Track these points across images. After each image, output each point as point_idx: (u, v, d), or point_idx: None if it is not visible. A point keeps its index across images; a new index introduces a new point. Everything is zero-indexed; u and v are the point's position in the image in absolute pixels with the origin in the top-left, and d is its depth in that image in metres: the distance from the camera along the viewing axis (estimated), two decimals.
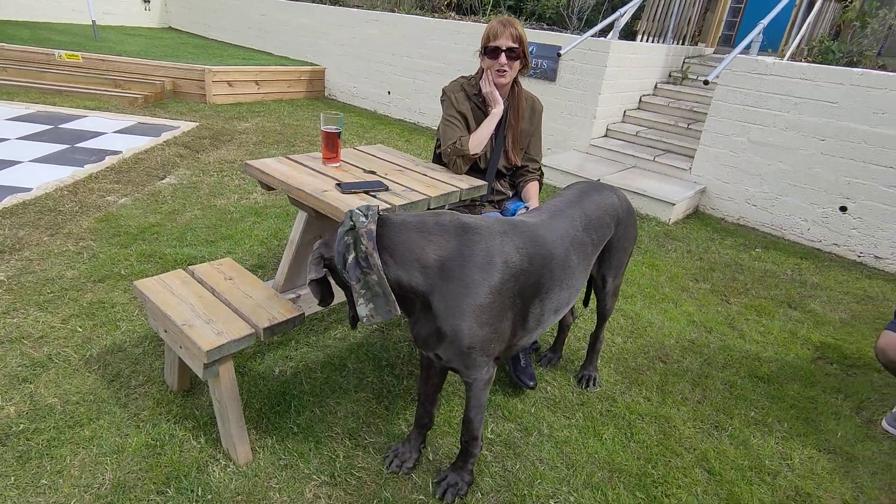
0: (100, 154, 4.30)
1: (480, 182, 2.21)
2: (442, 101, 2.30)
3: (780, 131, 4.18)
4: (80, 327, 2.28)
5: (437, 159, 2.39)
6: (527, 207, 2.26)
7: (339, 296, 2.22)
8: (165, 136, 4.95)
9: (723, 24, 7.41)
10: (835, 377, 2.52)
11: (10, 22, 8.90)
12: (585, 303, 2.35)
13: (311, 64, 7.72)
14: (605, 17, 5.21)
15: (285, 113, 6.47)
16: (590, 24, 6.38)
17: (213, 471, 1.68)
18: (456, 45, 6.06)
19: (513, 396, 2.16)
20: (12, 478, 1.60)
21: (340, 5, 7.74)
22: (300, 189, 1.88)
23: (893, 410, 2.22)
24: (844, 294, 3.38)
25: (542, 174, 2.44)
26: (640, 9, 5.59)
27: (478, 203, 2.33)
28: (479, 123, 2.26)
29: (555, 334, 2.46)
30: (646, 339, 2.66)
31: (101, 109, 5.58)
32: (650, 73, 5.70)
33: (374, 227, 1.38)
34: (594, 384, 2.25)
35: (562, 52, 4.84)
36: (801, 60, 4.88)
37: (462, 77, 2.32)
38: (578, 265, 1.68)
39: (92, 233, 3.08)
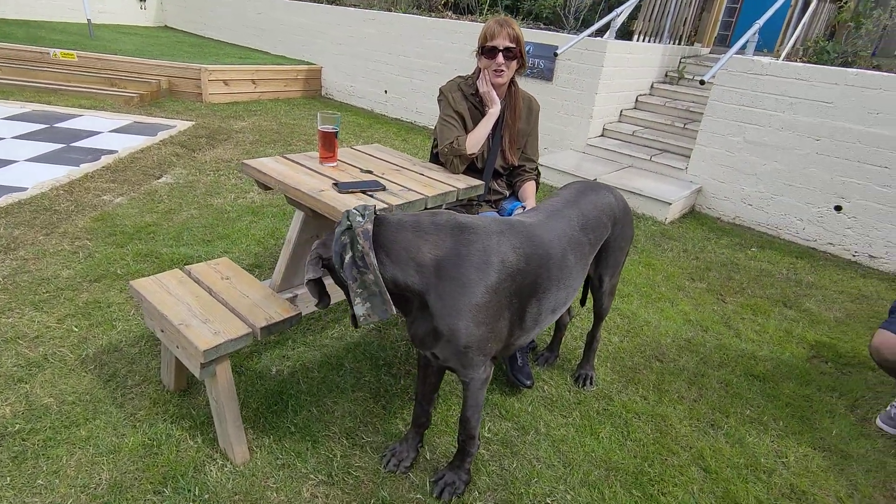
0: (95, 153, 4.29)
1: (477, 182, 2.21)
2: (439, 100, 2.30)
3: (775, 131, 4.20)
4: (76, 327, 2.27)
5: (434, 159, 2.39)
6: (524, 207, 2.26)
7: (338, 295, 2.22)
8: (161, 135, 4.94)
9: (719, 24, 7.43)
10: (829, 376, 2.54)
11: (4, 20, 8.85)
12: (582, 302, 2.35)
13: (308, 63, 7.70)
14: (601, 17, 5.22)
15: (282, 112, 6.46)
16: (586, 23, 6.40)
17: (210, 470, 1.68)
18: (453, 44, 6.07)
19: (510, 395, 2.16)
20: (8, 478, 1.59)
21: (337, 4, 7.73)
22: (297, 188, 1.87)
23: (887, 408, 2.23)
24: (839, 293, 3.40)
25: (538, 174, 2.44)
26: (637, 9, 5.60)
27: (475, 203, 2.33)
28: (476, 123, 2.26)
29: (552, 333, 2.46)
30: (642, 338, 2.67)
31: (97, 108, 5.55)
32: (647, 72, 5.71)
33: (370, 226, 1.38)
34: (591, 383, 2.26)
35: (558, 51, 4.85)
36: (796, 61, 4.90)
37: (459, 77, 2.32)
38: (576, 265, 1.69)
39: (88, 232, 3.07)
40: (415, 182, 2.08)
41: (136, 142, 4.67)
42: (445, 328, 1.42)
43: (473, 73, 2.28)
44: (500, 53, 2.12)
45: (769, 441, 2.08)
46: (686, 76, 5.88)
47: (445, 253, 1.41)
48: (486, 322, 1.44)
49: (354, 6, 7.50)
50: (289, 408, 1.97)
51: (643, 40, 5.77)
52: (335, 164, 2.16)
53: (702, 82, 3.97)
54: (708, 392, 2.32)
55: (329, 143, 2.12)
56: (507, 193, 2.43)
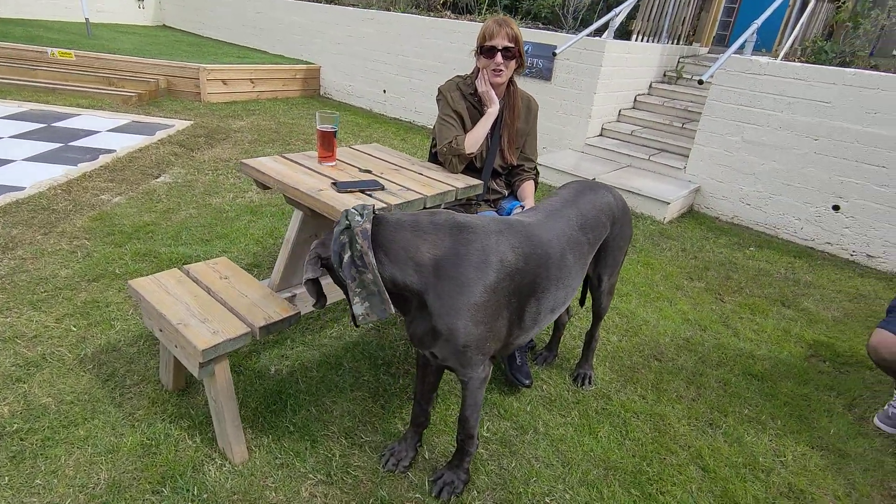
0: (94, 152, 4.28)
1: (476, 181, 2.21)
2: (438, 100, 2.30)
3: (773, 131, 4.20)
4: (75, 326, 2.27)
5: (433, 158, 2.39)
6: (522, 206, 2.26)
7: (338, 295, 2.22)
8: (160, 134, 4.93)
9: (717, 23, 7.44)
10: (827, 375, 2.54)
11: (2, 20, 8.83)
12: (582, 302, 2.36)
13: (307, 62, 7.70)
14: (600, 17, 5.22)
15: (280, 111, 6.45)
16: (585, 23, 6.40)
17: (209, 470, 1.68)
18: (451, 43, 6.06)
19: (508, 395, 2.16)
20: (6, 478, 1.59)
21: (336, 4, 7.72)
22: (296, 188, 1.87)
23: (885, 407, 2.24)
24: (837, 292, 3.41)
25: (537, 173, 2.44)
26: (636, 8, 5.61)
27: (474, 202, 2.33)
28: (474, 122, 2.26)
29: (550, 333, 2.46)
30: (641, 337, 2.68)
31: (95, 108, 5.54)
32: (645, 72, 5.71)
33: (369, 225, 1.38)
34: (589, 382, 2.26)
35: (557, 51, 4.85)
36: (794, 60, 4.91)
37: (458, 76, 2.32)
38: (574, 264, 1.69)
39: (86, 232, 3.06)
40: (413, 181, 2.08)
41: (135, 141, 4.67)
42: (444, 327, 1.42)
43: (472, 73, 2.28)
44: (499, 53, 2.12)
45: (767, 440, 2.08)
46: (684, 76, 5.89)
47: (444, 252, 1.41)
48: (484, 321, 1.44)
49: (353, 5, 7.50)
50: (287, 407, 1.96)
51: (642, 40, 5.78)
52: (334, 163, 2.15)
53: (700, 82, 3.97)
54: (706, 391, 2.33)
55: (328, 143, 2.12)
56: (506, 193, 2.43)
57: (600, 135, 5.46)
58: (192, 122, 5.45)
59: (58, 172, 3.81)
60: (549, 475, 1.81)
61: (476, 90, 2.24)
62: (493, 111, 2.23)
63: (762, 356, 2.63)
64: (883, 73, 3.77)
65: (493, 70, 2.16)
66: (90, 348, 2.15)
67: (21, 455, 1.67)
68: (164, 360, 1.93)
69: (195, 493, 1.60)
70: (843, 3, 5.90)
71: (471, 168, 2.31)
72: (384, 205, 1.81)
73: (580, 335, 2.61)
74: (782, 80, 4.09)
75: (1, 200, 3.30)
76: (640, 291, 3.13)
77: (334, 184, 1.92)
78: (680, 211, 4.54)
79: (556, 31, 6.22)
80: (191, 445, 1.76)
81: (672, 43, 6.26)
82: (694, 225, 4.36)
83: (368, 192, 1.90)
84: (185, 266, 1.93)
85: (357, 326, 1.56)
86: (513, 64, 2.18)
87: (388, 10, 7.09)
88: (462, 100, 2.27)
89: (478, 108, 2.27)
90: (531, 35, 5.35)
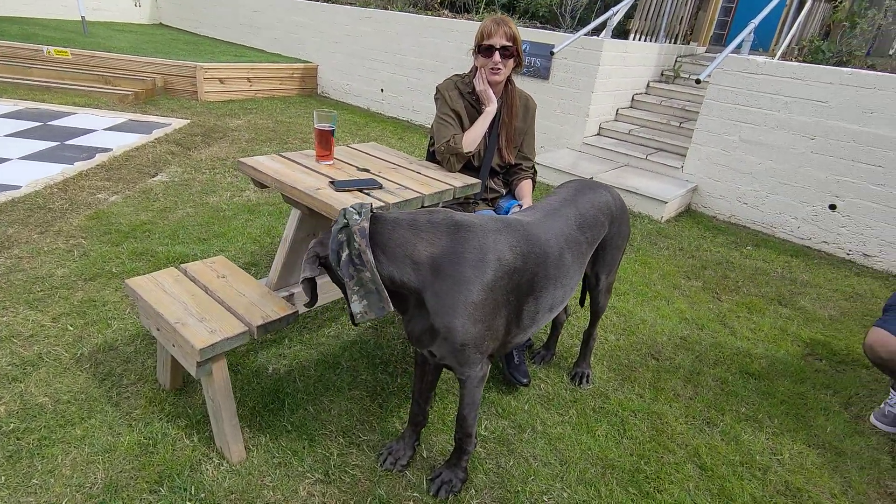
0: (90, 151, 4.26)
1: (474, 180, 2.21)
2: (436, 98, 2.30)
3: (770, 130, 4.22)
4: (71, 326, 2.26)
5: (431, 157, 2.39)
6: (520, 205, 2.26)
7: (336, 293, 2.22)
8: (156, 133, 4.92)
9: (714, 23, 7.46)
10: (824, 373, 2.55)
11: None
12: (581, 303, 2.35)
13: (304, 61, 7.68)
14: (597, 16, 5.23)
15: (277, 110, 6.44)
16: (583, 22, 6.40)
17: (207, 469, 1.68)
18: (449, 42, 6.06)
19: (506, 394, 2.17)
20: (3, 477, 1.58)
21: (333, 2, 7.70)
22: (294, 187, 1.87)
23: (881, 406, 2.25)
24: (833, 291, 3.42)
25: (535, 172, 2.45)
26: (633, 7, 5.61)
27: (471, 201, 2.33)
28: (472, 121, 2.26)
29: (548, 332, 2.47)
30: (638, 336, 2.68)
31: (91, 106, 5.52)
32: (643, 71, 5.72)
33: (367, 224, 1.38)
34: (587, 381, 2.26)
35: (555, 50, 4.85)
36: (791, 60, 4.92)
37: (456, 75, 2.32)
38: (573, 263, 1.69)
39: (82, 230, 3.05)
40: (411, 180, 2.08)
41: (131, 140, 4.65)
42: (442, 326, 1.42)
43: (470, 72, 2.28)
44: (497, 52, 2.12)
45: (764, 438, 2.09)
46: (682, 75, 5.90)
47: (442, 251, 1.41)
48: (482, 320, 1.44)
49: (350, 4, 7.49)
50: (285, 406, 1.96)
51: (639, 39, 5.78)
52: (331, 162, 2.15)
53: (697, 81, 3.98)
54: (703, 390, 2.33)
55: (325, 142, 2.11)
56: (504, 192, 2.43)
57: (598, 134, 5.47)
58: (188, 121, 5.44)
59: (54, 171, 3.80)
60: (546, 474, 1.81)
61: (474, 89, 2.24)
62: (491, 110, 2.23)
63: (759, 355, 2.64)
64: (879, 73, 3.78)
65: (491, 69, 2.16)
66: (87, 347, 2.15)
67: (18, 454, 1.66)
68: (162, 359, 1.93)
69: (192, 492, 1.60)
70: (840, 2, 5.92)
71: (469, 167, 2.31)
72: (382, 203, 1.81)
73: (578, 334, 2.62)
74: (779, 79, 4.10)
75: None
76: (638, 290, 3.13)
77: (332, 182, 1.91)
78: (677, 210, 4.54)
79: (554, 30, 6.22)
80: (188, 445, 1.76)
81: (669, 42, 6.27)
82: (691, 224, 4.36)
83: (366, 191, 1.90)
84: (182, 265, 1.93)
85: (355, 325, 1.56)
86: (511, 63, 2.18)
87: (386, 8, 7.08)
88: (460, 99, 2.26)
89: (476, 107, 2.27)
90: (529, 34, 5.35)
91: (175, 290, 1.78)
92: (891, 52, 6.26)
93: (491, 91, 2.21)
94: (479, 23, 2.27)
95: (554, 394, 2.20)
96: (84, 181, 3.70)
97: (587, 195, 1.85)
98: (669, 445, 1.99)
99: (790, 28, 5.27)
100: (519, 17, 7.14)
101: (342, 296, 2.02)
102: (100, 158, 4.14)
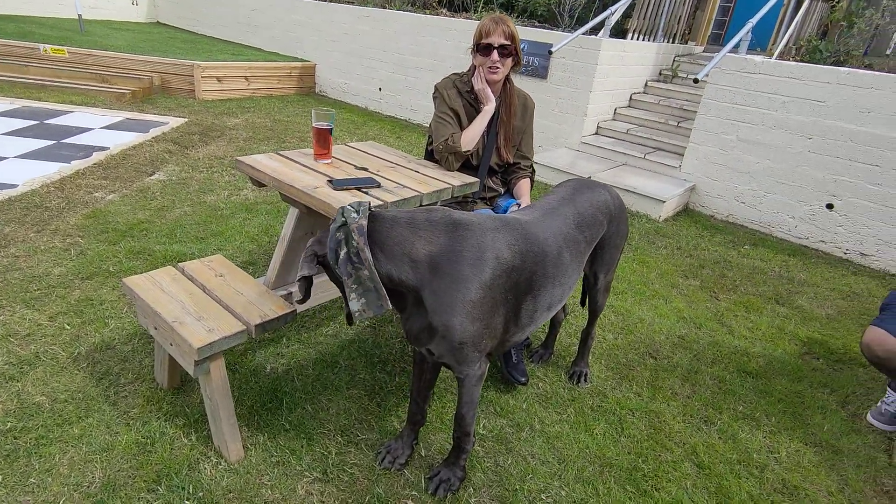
0: (87, 150, 4.25)
1: (472, 179, 2.21)
2: (434, 97, 2.30)
3: (768, 129, 4.22)
4: (68, 325, 2.25)
5: (429, 156, 2.39)
6: (518, 204, 2.26)
7: (334, 292, 2.21)
8: (154, 131, 4.90)
9: (712, 22, 7.46)
10: (821, 372, 2.56)
11: None
12: (582, 303, 2.34)
13: (302, 60, 7.67)
14: (596, 15, 5.23)
15: (275, 109, 6.43)
16: (581, 21, 6.40)
17: (205, 468, 1.68)
18: (447, 41, 6.06)
19: (504, 392, 2.17)
20: (0, 477, 1.58)
21: (331, 1, 7.69)
22: (292, 185, 1.87)
23: (878, 404, 2.26)
24: (831, 290, 3.43)
25: (533, 171, 2.45)
26: (631, 7, 5.61)
27: (470, 200, 2.33)
28: (471, 120, 2.26)
29: (546, 330, 2.47)
30: (636, 335, 2.68)
31: (88, 105, 5.51)
32: (641, 71, 5.73)
33: (365, 222, 1.38)
34: (585, 380, 2.27)
35: (553, 49, 4.86)
36: (789, 59, 4.93)
37: (454, 74, 2.32)
38: (571, 262, 1.69)
39: (79, 229, 3.04)
40: (409, 179, 2.08)
41: (128, 138, 4.64)
42: (440, 324, 1.42)
43: (469, 71, 2.28)
44: (496, 51, 2.12)
45: (762, 437, 2.09)
46: (680, 74, 5.90)
47: (440, 249, 1.41)
48: (480, 318, 1.44)
49: (349, 3, 7.48)
50: (283, 405, 1.96)
51: (637, 38, 5.79)
52: (330, 160, 2.15)
53: (695, 81, 3.99)
54: (701, 388, 2.34)
55: (324, 140, 2.11)
56: (502, 191, 2.43)
57: (596, 133, 5.47)
58: (186, 120, 5.42)
59: (51, 170, 3.78)
60: (545, 472, 1.81)
61: (472, 88, 2.24)
62: (489, 109, 2.23)
63: (756, 354, 2.64)
64: (877, 73, 3.79)
65: (490, 68, 2.16)
66: (84, 346, 2.14)
67: (15, 454, 1.65)
68: (159, 358, 1.92)
69: (191, 491, 1.60)
70: (838, 2, 5.93)
71: (467, 166, 2.31)
72: (380, 202, 1.81)
73: (576, 333, 2.62)
74: (777, 78, 4.10)
75: None
76: (636, 289, 3.14)
77: (330, 181, 1.91)
78: (675, 209, 4.55)
79: (552, 29, 6.22)
80: (186, 444, 1.75)
81: (668, 42, 6.27)
82: (689, 223, 4.37)
83: (364, 190, 1.89)
84: (179, 264, 1.92)
85: (353, 324, 1.56)
86: (509, 62, 2.18)
87: (384, 7, 7.07)
88: (458, 97, 2.26)
89: (474, 106, 2.27)
90: (527, 33, 5.35)
91: (173, 289, 1.77)
92: (888, 52, 6.28)
93: (489, 90, 2.21)
94: (478, 22, 2.27)
95: (552, 392, 2.20)
96: (81, 180, 3.69)
97: (586, 194, 1.86)
98: (667, 444, 2.00)
99: (788, 28, 5.28)
100: (517, 16, 7.14)
101: (340, 295, 2.02)
102: (97, 157, 4.13)
